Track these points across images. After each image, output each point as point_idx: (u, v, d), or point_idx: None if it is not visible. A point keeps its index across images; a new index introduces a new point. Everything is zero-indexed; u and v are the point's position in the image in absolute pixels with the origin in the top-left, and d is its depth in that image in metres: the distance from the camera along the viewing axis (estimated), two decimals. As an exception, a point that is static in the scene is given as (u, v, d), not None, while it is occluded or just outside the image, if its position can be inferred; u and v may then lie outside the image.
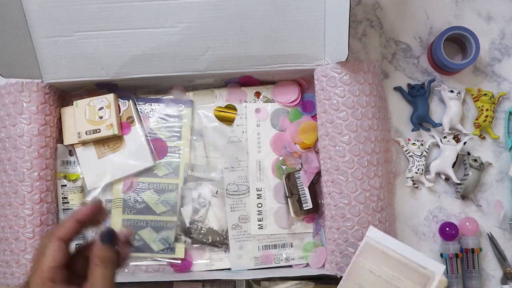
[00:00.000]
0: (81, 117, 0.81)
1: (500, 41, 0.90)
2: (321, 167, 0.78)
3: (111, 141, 0.83)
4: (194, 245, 0.83)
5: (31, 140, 0.77)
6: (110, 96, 0.81)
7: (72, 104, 0.82)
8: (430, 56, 0.88)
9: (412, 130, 0.88)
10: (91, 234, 0.84)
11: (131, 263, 0.83)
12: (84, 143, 0.83)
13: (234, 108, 0.85)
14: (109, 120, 0.81)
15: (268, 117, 0.85)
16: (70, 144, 0.83)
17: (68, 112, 0.83)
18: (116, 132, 0.81)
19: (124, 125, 0.83)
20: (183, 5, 0.75)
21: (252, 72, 0.82)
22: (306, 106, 0.85)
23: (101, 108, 0.81)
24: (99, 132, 0.81)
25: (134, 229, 0.83)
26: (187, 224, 0.83)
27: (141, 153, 0.83)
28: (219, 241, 0.83)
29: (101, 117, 0.81)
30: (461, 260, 0.84)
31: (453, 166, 0.85)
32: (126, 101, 0.83)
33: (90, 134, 0.81)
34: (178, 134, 0.85)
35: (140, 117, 0.84)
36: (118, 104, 0.83)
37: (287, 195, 0.82)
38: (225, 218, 0.83)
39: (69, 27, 0.76)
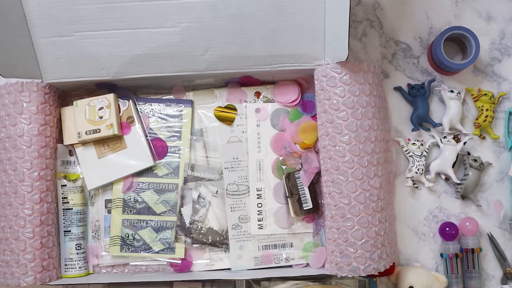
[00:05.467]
0: (81, 117, 0.81)
1: (500, 41, 0.90)
2: (321, 167, 0.78)
3: (111, 141, 0.83)
4: (194, 245, 0.83)
5: (31, 140, 0.77)
6: (110, 96, 0.81)
7: (72, 104, 0.82)
8: (430, 56, 0.88)
9: (412, 130, 0.88)
10: (91, 234, 0.84)
11: (131, 263, 0.83)
12: (84, 143, 0.83)
13: (234, 108, 0.85)
14: (109, 120, 0.81)
15: (268, 117, 0.85)
16: (70, 144, 0.83)
17: (68, 112, 0.83)
18: (116, 132, 0.81)
19: (124, 125, 0.83)
20: (183, 5, 0.75)
21: (252, 72, 0.81)
22: (306, 106, 0.85)
23: (101, 108, 0.81)
24: (99, 132, 0.81)
25: (134, 229, 0.83)
26: (187, 224, 0.83)
27: (141, 153, 0.83)
28: (219, 241, 0.83)
29: (101, 117, 0.81)
30: (461, 260, 0.84)
31: (453, 166, 0.85)
32: (126, 101, 0.83)
33: (90, 134, 0.81)
34: (178, 134, 0.85)
35: (140, 117, 0.84)
36: (118, 104, 0.83)
37: (287, 195, 0.82)
38: (225, 218, 0.83)
39: (69, 27, 0.76)
